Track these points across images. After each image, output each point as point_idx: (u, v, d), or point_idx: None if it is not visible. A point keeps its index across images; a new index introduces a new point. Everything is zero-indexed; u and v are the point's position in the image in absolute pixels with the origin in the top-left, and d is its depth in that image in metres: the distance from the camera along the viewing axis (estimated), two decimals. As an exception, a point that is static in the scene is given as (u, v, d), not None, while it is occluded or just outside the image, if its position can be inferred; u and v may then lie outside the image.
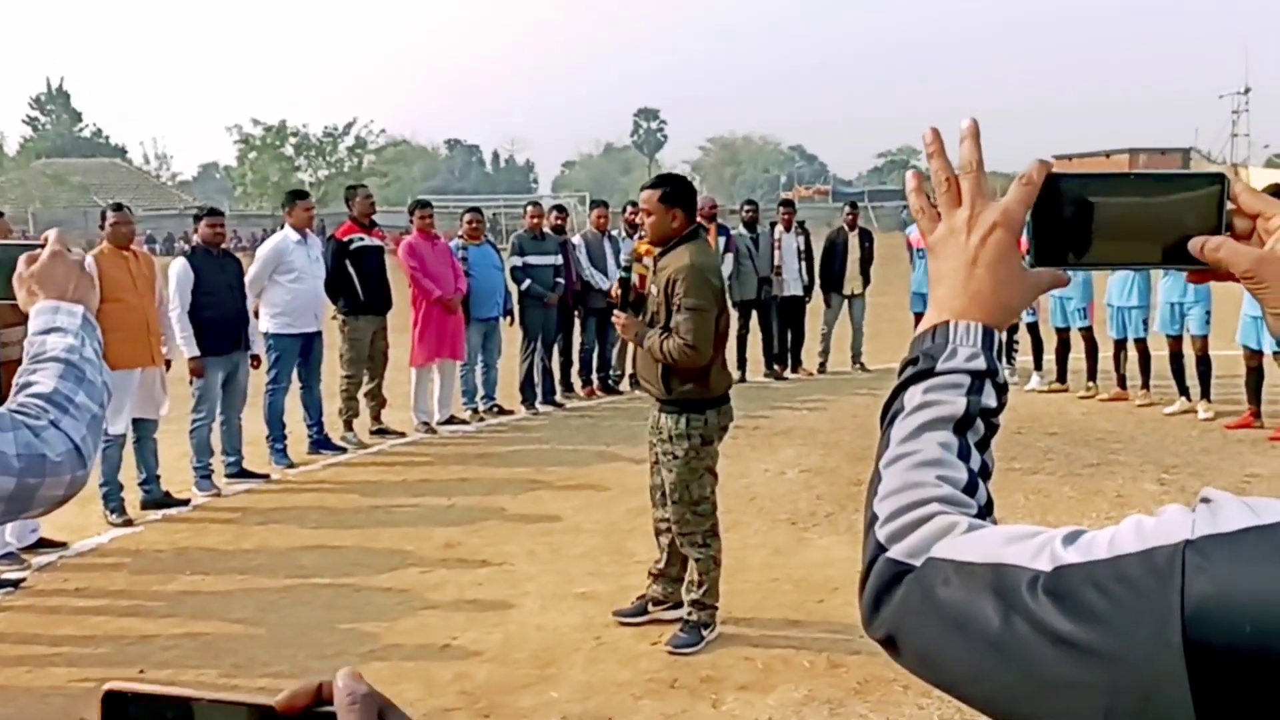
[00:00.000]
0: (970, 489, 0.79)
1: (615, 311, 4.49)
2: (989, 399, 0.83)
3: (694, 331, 4.16)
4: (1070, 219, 0.87)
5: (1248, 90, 49.79)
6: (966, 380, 0.83)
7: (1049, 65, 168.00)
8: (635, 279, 4.45)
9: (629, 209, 10.85)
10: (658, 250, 4.37)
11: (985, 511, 0.79)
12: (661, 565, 4.67)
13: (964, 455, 0.80)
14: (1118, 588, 0.62)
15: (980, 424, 0.82)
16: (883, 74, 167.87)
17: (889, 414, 0.86)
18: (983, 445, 0.82)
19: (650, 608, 4.69)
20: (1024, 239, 0.88)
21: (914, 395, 0.84)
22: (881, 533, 0.78)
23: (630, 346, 10.43)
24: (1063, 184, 0.87)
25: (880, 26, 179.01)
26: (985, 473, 0.82)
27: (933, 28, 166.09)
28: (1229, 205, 0.85)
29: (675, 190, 4.32)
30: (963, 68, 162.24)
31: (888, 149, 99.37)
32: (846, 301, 11.41)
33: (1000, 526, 0.75)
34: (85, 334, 1.28)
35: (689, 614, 4.47)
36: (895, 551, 0.76)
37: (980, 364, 0.83)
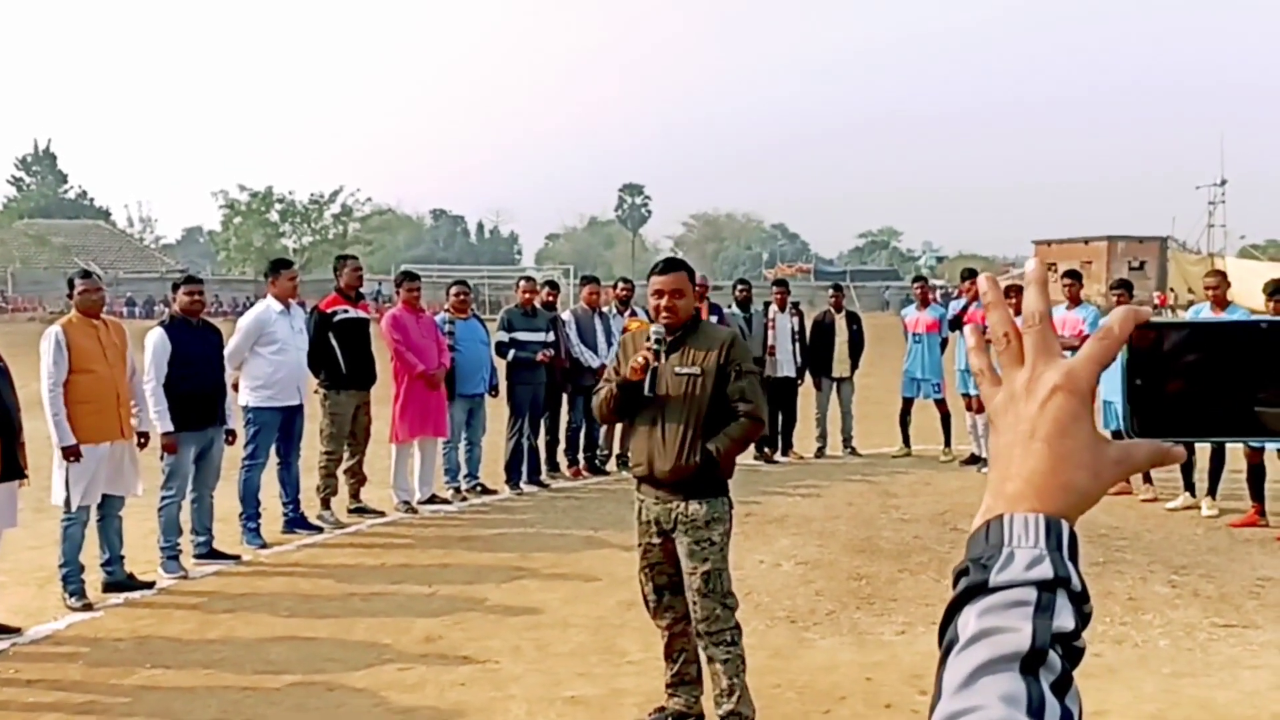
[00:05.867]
0: None
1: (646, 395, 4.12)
2: (1063, 619, 0.64)
3: (759, 394, 4.18)
4: (1174, 379, 0.71)
5: (1224, 182, 50.46)
6: (1032, 595, 0.65)
7: (1030, 150, 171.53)
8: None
9: (620, 285, 10.70)
10: (671, 333, 4.13)
11: None
12: (676, 672, 4.32)
13: (1037, 710, 0.61)
14: None
15: (1055, 657, 0.63)
16: (864, 155, 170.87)
17: (943, 645, 0.67)
18: (1062, 687, 0.63)
19: None
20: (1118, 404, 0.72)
21: (967, 621, 0.66)
22: None
23: (619, 426, 10.20)
24: (1166, 336, 0.71)
25: (862, 107, 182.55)
26: None
27: (915, 111, 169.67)
28: None
29: (691, 270, 4.40)
30: (944, 151, 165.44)
31: (869, 229, 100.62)
32: (835, 385, 11.25)
33: None
34: None
35: None
36: None
37: (1046, 570, 0.66)
